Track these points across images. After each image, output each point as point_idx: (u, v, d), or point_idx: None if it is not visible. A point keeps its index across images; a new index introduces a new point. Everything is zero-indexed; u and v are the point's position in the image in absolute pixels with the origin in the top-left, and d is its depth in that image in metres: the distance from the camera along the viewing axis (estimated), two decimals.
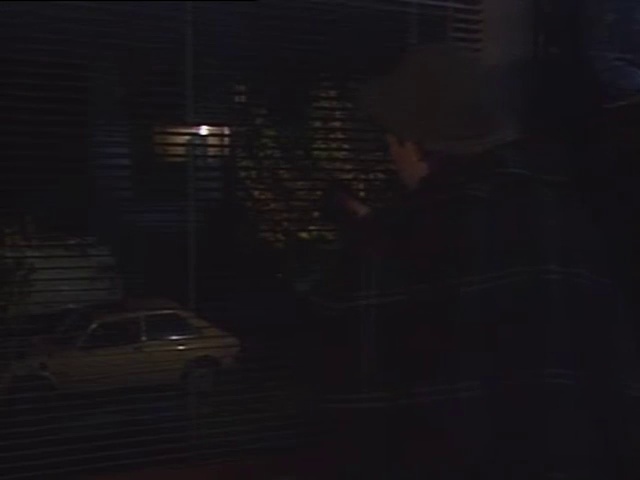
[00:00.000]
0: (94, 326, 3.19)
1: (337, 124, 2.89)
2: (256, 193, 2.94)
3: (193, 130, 2.51)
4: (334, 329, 1.25)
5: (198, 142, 2.58)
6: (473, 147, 1.29)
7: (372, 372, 1.18)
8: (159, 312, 3.16)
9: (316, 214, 2.77)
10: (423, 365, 1.17)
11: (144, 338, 3.23)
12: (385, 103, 1.37)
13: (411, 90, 1.33)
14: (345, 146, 2.81)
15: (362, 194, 2.79)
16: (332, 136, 2.86)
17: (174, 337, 3.10)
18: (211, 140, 2.75)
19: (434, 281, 1.18)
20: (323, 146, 2.82)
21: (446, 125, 1.30)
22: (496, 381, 1.16)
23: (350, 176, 2.84)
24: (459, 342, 1.16)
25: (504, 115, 1.36)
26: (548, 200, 1.27)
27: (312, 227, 2.84)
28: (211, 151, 2.78)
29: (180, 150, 2.58)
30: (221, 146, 2.84)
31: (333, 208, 1.78)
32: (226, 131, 2.83)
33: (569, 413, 1.18)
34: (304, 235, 2.86)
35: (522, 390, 1.16)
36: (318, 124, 2.87)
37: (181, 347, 2.93)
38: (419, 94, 1.32)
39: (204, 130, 2.65)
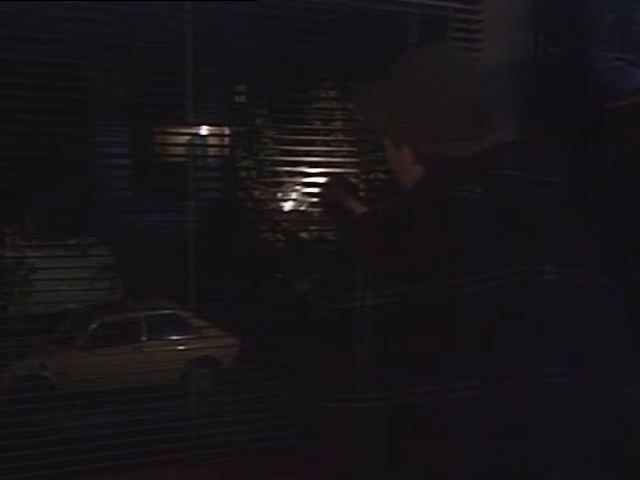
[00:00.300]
0: (94, 326, 3.19)
1: (337, 124, 2.89)
2: (256, 193, 2.94)
3: (193, 130, 2.51)
4: (332, 329, 1.25)
5: (198, 142, 2.58)
6: (469, 149, 1.29)
7: (370, 372, 1.18)
8: (159, 312, 3.16)
9: (316, 214, 2.78)
10: (420, 365, 1.17)
11: (144, 338, 3.22)
12: (380, 107, 1.37)
13: (405, 93, 1.33)
14: (345, 146, 2.81)
15: (362, 194, 2.79)
16: (332, 136, 2.86)
17: (174, 337, 3.09)
18: (211, 140, 2.75)
19: (429, 282, 1.18)
20: (323, 146, 2.82)
21: (441, 127, 1.30)
22: (493, 381, 1.16)
23: (350, 176, 2.84)
24: (456, 342, 1.16)
25: (500, 116, 1.36)
26: (544, 201, 1.27)
27: (312, 227, 2.84)
28: (211, 151, 2.78)
29: (180, 150, 2.58)
30: (221, 146, 2.84)
31: (330, 204, 1.77)
32: (226, 131, 2.83)
33: (567, 412, 1.18)
34: (304, 235, 2.86)
35: (520, 390, 1.17)
36: (318, 124, 2.87)
37: (181, 347, 2.93)
38: (413, 97, 1.32)
39: (204, 130, 2.65)
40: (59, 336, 2.99)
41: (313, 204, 2.77)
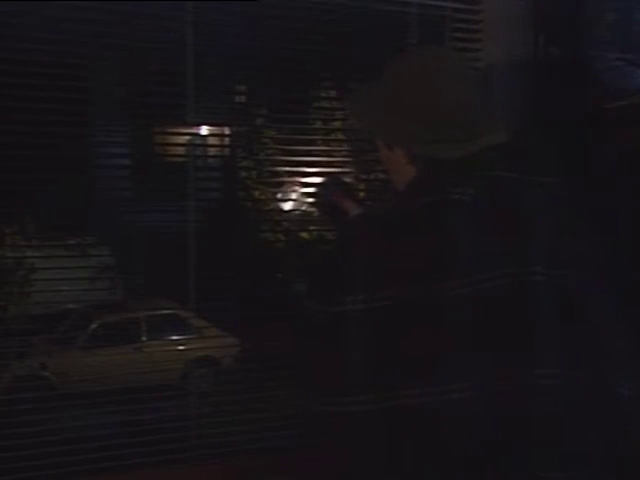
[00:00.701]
0: (94, 326, 3.19)
1: (337, 124, 2.89)
2: (256, 193, 2.94)
3: (193, 130, 2.51)
4: (326, 332, 1.25)
5: (198, 142, 2.58)
6: (461, 150, 1.29)
7: (364, 375, 1.18)
8: (159, 312, 3.16)
9: (316, 214, 2.78)
10: (414, 368, 1.17)
11: (144, 338, 3.23)
12: (373, 108, 1.37)
13: (397, 94, 1.33)
14: (345, 146, 2.81)
15: (362, 194, 2.79)
16: (332, 136, 2.86)
17: (174, 337, 3.10)
18: (211, 140, 2.75)
19: (422, 285, 1.18)
20: (323, 146, 2.82)
21: (433, 129, 1.30)
22: (486, 383, 1.16)
23: (350, 176, 2.84)
24: (448, 345, 1.16)
25: (493, 118, 1.35)
26: (535, 202, 1.27)
27: (312, 227, 2.84)
28: (211, 151, 2.78)
29: (180, 150, 2.58)
30: (221, 146, 2.84)
31: (325, 205, 1.77)
32: (226, 131, 2.83)
33: (561, 413, 1.18)
34: (304, 235, 2.87)
35: (513, 391, 1.17)
36: (318, 124, 2.87)
37: (181, 347, 2.93)
38: (405, 98, 1.32)
39: (204, 130, 2.65)
40: (59, 336, 2.99)
41: (313, 204, 2.77)
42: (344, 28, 2.63)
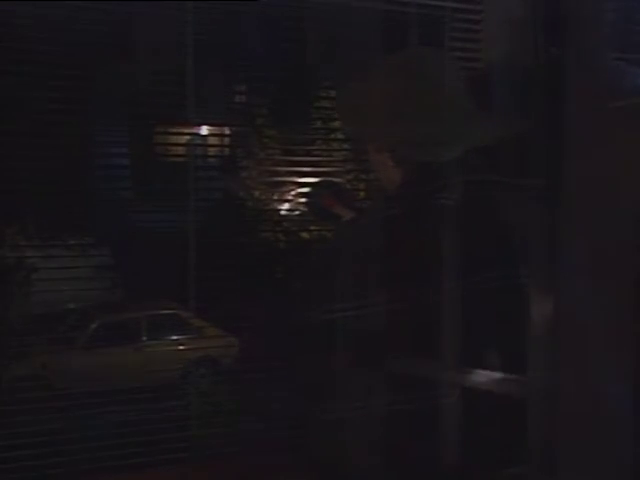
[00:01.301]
0: (94, 326, 3.18)
1: (337, 124, 2.89)
2: (256, 193, 2.94)
3: (194, 130, 2.51)
4: (317, 340, 1.26)
5: (199, 142, 2.58)
6: (446, 153, 1.29)
7: (350, 381, 1.19)
8: (159, 312, 3.16)
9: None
10: (402, 372, 1.17)
11: (144, 338, 3.22)
12: (359, 110, 1.37)
13: (382, 98, 1.33)
14: (345, 146, 2.81)
15: (362, 194, 2.79)
16: (332, 136, 2.86)
17: (174, 337, 3.09)
18: (211, 140, 2.75)
19: (408, 290, 1.19)
20: (323, 146, 2.82)
21: (418, 132, 1.30)
22: (477, 386, 1.16)
23: (350, 176, 2.84)
24: (436, 349, 1.17)
25: (481, 120, 1.35)
26: (523, 205, 1.27)
27: (312, 227, 2.84)
28: (211, 151, 2.78)
29: (181, 150, 2.58)
30: (221, 146, 2.84)
31: (317, 209, 1.77)
32: (226, 131, 2.83)
33: (553, 415, 1.18)
34: (304, 235, 2.86)
35: (504, 394, 1.17)
36: (318, 124, 2.87)
37: (181, 347, 2.93)
38: (390, 102, 1.32)
39: (205, 130, 2.65)
40: (59, 336, 2.99)
41: (306, 207, 2.78)
42: (344, 28, 2.63)
